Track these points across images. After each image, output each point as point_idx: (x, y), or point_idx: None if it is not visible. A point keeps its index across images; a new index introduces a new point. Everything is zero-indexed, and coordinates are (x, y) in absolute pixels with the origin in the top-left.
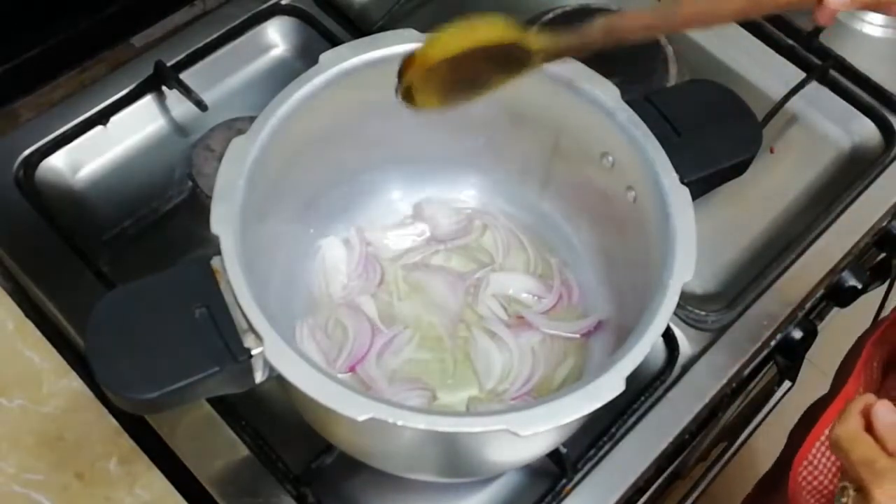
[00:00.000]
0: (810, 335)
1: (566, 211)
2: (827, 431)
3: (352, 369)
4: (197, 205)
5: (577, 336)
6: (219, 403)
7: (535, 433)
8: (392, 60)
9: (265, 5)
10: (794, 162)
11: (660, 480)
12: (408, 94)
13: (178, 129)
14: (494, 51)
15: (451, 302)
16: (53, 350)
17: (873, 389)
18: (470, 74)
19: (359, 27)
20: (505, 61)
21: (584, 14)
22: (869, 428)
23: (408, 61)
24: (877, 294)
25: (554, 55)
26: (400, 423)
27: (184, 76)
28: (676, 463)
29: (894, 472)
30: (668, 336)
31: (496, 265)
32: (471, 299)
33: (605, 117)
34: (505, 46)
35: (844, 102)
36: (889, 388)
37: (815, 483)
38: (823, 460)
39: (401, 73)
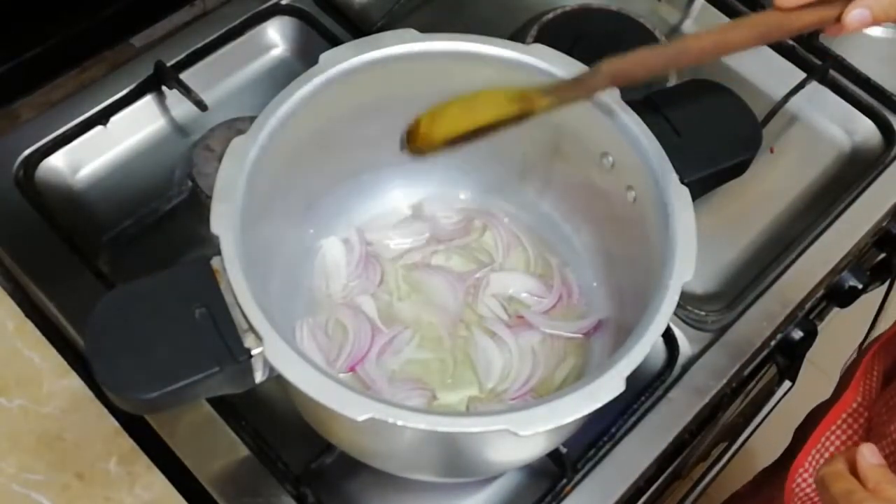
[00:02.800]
0: (810, 335)
1: (566, 211)
2: (823, 439)
3: (352, 369)
4: (197, 205)
5: (577, 336)
6: (219, 403)
7: (535, 433)
8: (392, 60)
9: (265, 5)
10: (794, 162)
11: (660, 480)
12: (415, 150)
13: (178, 129)
14: (498, 123)
15: (451, 302)
16: (53, 350)
17: (872, 399)
18: (474, 136)
19: (359, 27)
20: (505, 122)
21: (584, 14)
22: (854, 472)
23: (411, 136)
24: (877, 294)
25: (558, 107)
26: (400, 423)
27: (184, 76)
28: (676, 463)
29: (870, 500)
30: (668, 336)
31: (496, 265)
32: (471, 299)
33: (605, 117)
34: (506, 119)
35: (844, 102)
36: (888, 399)
37: (809, 491)
38: (818, 467)
39: (405, 142)
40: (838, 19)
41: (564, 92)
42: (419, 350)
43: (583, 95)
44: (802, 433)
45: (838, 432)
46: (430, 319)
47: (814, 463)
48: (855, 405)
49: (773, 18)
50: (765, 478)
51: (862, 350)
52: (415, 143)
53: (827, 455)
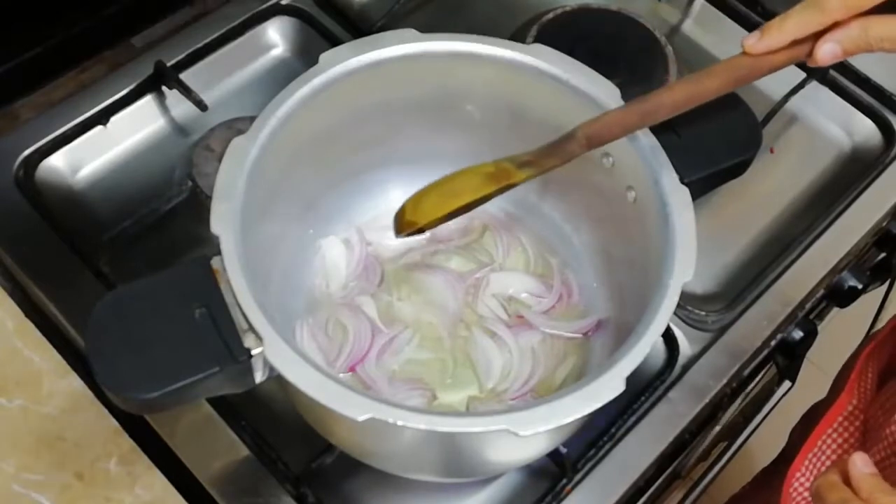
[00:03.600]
0: (810, 335)
1: (566, 211)
2: (819, 442)
3: (352, 369)
4: (197, 205)
5: (578, 336)
6: (219, 403)
7: (535, 433)
8: (392, 60)
9: (265, 5)
10: (794, 162)
11: (660, 480)
12: (406, 231)
13: (178, 129)
14: (477, 202)
15: (451, 302)
16: (53, 350)
17: (867, 401)
18: (457, 214)
19: (359, 27)
20: (487, 196)
21: (584, 14)
22: (848, 482)
23: (399, 222)
24: (877, 294)
25: (536, 176)
26: (400, 423)
27: (184, 76)
28: (676, 463)
29: None
30: (668, 336)
31: (496, 265)
32: (471, 299)
33: None
34: (485, 197)
35: (844, 102)
36: (883, 401)
37: (806, 495)
38: (815, 472)
39: (396, 227)
40: (810, 54)
41: (542, 161)
42: (419, 350)
43: (559, 162)
44: (798, 434)
45: (834, 435)
46: (430, 319)
47: (810, 467)
48: (850, 408)
49: (744, 62)
50: (763, 478)
51: (855, 351)
52: (402, 228)
53: (824, 458)
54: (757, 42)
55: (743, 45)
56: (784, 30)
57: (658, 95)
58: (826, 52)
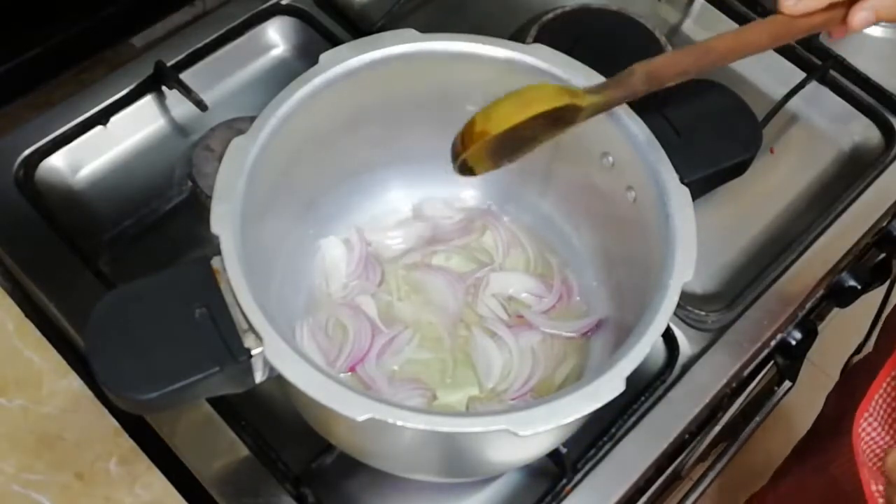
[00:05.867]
0: (810, 335)
1: (566, 211)
2: (885, 385)
3: (352, 369)
4: (197, 205)
5: (578, 336)
6: (219, 403)
7: (535, 433)
8: (392, 60)
9: (265, 5)
10: (794, 162)
11: (660, 480)
12: (464, 166)
13: (178, 129)
14: (546, 115)
15: (451, 302)
16: (53, 350)
17: None
18: (521, 138)
19: (359, 27)
20: (553, 120)
21: (584, 14)
22: None
23: (465, 138)
24: (877, 294)
25: (601, 109)
26: (400, 423)
27: (184, 76)
28: (676, 463)
29: None
30: (668, 336)
31: (496, 265)
32: (471, 299)
33: (605, 117)
34: (557, 110)
35: (844, 102)
36: None
37: (874, 436)
38: (881, 413)
39: (456, 150)
40: (843, 20)
41: (607, 92)
42: (419, 350)
43: (626, 97)
44: (833, 401)
45: (889, 389)
46: (430, 319)
47: (877, 408)
48: None
49: (782, 21)
50: (794, 457)
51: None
52: (469, 145)
53: (888, 399)
54: (796, 3)
55: (781, 5)
56: None
57: (708, 42)
58: (861, 18)
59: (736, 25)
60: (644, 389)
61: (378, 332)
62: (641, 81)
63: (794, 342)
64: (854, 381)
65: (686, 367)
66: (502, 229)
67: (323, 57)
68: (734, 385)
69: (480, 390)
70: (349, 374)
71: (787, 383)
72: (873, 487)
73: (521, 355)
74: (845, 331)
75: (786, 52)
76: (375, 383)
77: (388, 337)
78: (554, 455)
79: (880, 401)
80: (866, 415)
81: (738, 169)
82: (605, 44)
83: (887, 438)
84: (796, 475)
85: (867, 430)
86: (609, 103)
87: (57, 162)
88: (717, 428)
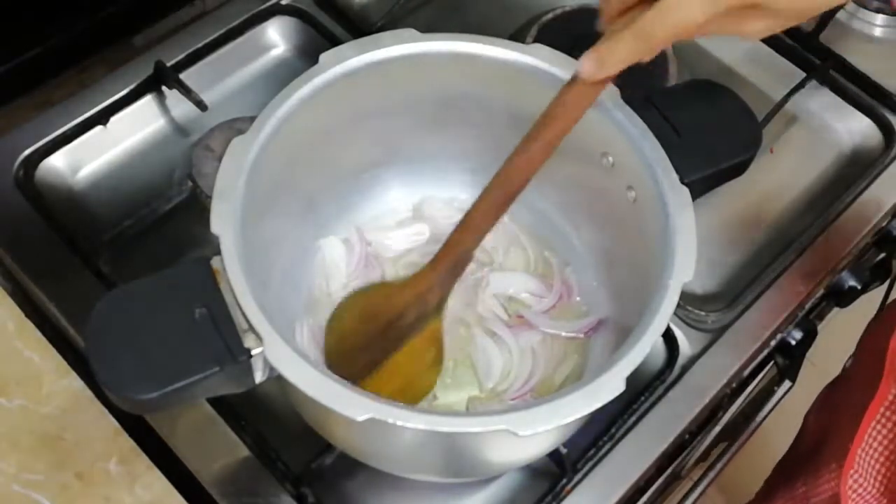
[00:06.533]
0: (810, 335)
1: (566, 211)
2: (866, 436)
3: None
4: (197, 205)
5: (578, 335)
6: (219, 403)
7: (534, 433)
8: (392, 60)
9: (265, 5)
10: (794, 162)
11: (660, 480)
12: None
13: (178, 129)
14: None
15: (451, 302)
16: (53, 350)
17: None
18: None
19: (359, 27)
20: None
21: (584, 14)
22: None
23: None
24: (877, 294)
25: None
26: (400, 423)
27: (184, 76)
28: (676, 463)
29: None
30: (668, 336)
31: (496, 265)
32: (471, 299)
33: (605, 117)
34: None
35: (844, 102)
36: None
37: (862, 492)
38: (867, 468)
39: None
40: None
41: (435, 281)
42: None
43: (451, 270)
44: (813, 419)
45: (879, 427)
46: None
47: (862, 463)
48: (891, 397)
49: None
50: (781, 471)
51: (870, 326)
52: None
53: (872, 452)
54: (598, 70)
55: (581, 73)
56: (619, 59)
57: (500, 170)
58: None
59: None
60: (644, 389)
61: None
62: (466, 235)
63: (794, 342)
64: (832, 400)
65: (686, 367)
66: (502, 229)
67: (323, 57)
68: (734, 385)
69: (480, 390)
70: None
71: (787, 383)
72: None
73: (521, 355)
74: (845, 331)
75: (786, 52)
76: None
77: None
78: (554, 455)
79: (865, 455)
80: (852, 472)
81: (738, 169)
82: None
83: (878, 496)
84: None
85: (855, 488)
86: (444, 276)
87: (57, 162)
88: (717, 428)
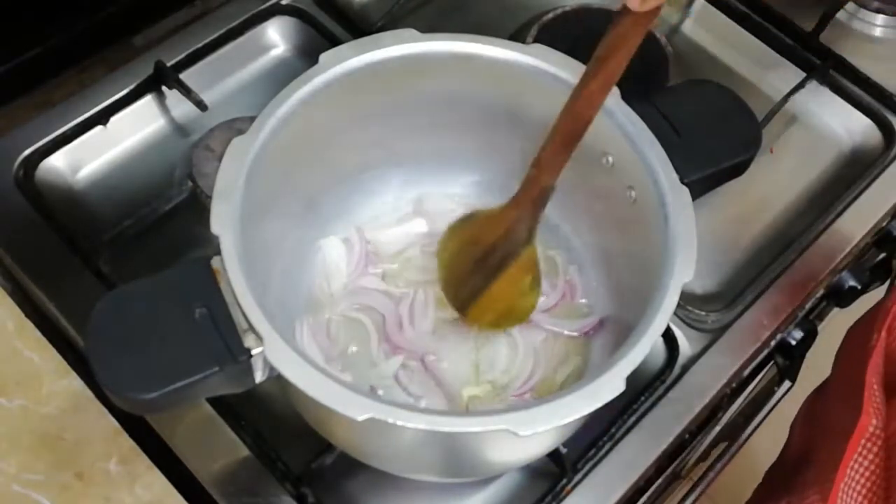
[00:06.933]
0: (810, 335)
1: (566, 211)
2: (848, 469)
3: (397, 350)
4: (197, 205)
5: (579, 335)
6: (219, 403)
7: (534, 433)
8: (392, 60)
9: (265, 5)
10: (794, 162)
11: (660, 480)
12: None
13: (178, 129)
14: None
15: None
16: (53, 350)
17: (883, 415)
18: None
19: (359, 27)
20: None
21: (584, 14)
22: None
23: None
24: (877, 294)
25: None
26: (400, 423)
27: (184, 76)
28: (676, 463)
29: None
30: (668, 336)
31: None
32: None
33: (605, 117)
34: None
35: (844, 102)
36: None
37: None
38: (851, 502)
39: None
40: None
41: (521, 199)
42: (439, 309)
43: (538, 197)
44: (799, 432)
45: (860, 459)
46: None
47: (846, 498)
48: (872, 429)
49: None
50: (769, 482)
51: (843, 344)
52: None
53: (854, 485)
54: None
55: (629, 2)
56: None
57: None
58: None
59: (736, 25)
60: (644, 389)
61: (397, 300)
62: (541, 172)
63: (794, 342)
64: (815, 411)
65: (686, 367)
66: None
67: (323, 57)
68: (734, 385)
69: (477, 383)
70: (397, 357)
71: (787, 383)
72: None
73: (524, 353)
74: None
75: (786, 52)
76: (424, 344)
77: (409, 299)
78: (554, 455)
79: (847, 489)
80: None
81: (738, 169)
82: None
83: None
84: None
85: None
86: (528, 210)
87: (57, 162)
88: (717, 428)
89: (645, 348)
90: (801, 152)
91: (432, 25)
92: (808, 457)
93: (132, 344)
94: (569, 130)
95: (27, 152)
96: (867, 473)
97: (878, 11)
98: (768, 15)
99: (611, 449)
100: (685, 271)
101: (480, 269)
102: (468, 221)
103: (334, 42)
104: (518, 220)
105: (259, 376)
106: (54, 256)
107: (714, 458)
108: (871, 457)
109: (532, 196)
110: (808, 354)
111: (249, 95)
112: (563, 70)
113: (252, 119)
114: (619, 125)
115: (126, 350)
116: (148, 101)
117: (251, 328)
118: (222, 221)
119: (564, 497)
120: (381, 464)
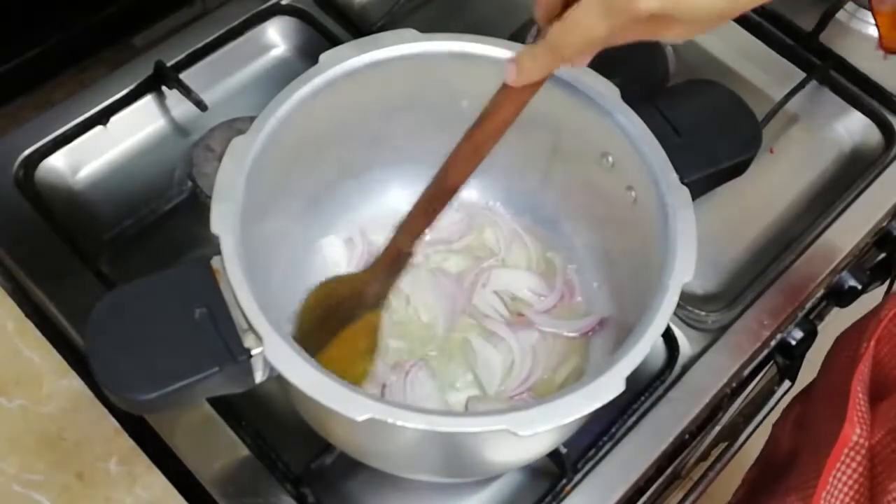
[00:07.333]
0: (810, 335)
1: (566, 211)
2: (831, 478)
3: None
4: (197, 205)
5: (578, 335)
6: (219, 403)
7: (534, 433)
8: (392, 60)
9: (265, 5)
10: (794, 162)
11: (660, 480)
12: None
13: (178, 129)
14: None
15: (452, 301)
16: (53, 350)
17: (868, 424)
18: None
19: (359, 27)
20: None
21: None
22: None
23: None
24: (877, 294)
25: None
26: (399, 423)
27: (184, 76)
28: (676, 463)
29: None
30: (668, 336)
31: (498, 259)
32: (471, 296)
33: (605, 117)
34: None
35: (844, 102)
36: (883, 421)
37: None
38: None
39: None
40: None
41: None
42: (431, 379)
43: (394, 265)
44: (779, 429)
45: (843, 468)
46: (429, 319)
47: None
48: (856, 437)
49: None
50: (751, 486)
51: (831, 351)
52: None
53: (837, 493)
54: (518, 78)
55: (506, 78)
56: (537, 68)
57: (443, 167)
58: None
59: (736, 25)
60: (644, 389)
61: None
62: (401, 235)
63: (794, 342)
64: (801, 413)
65: (686, 367)
66: (504, 227)
67: (323, 57)
68: (734, 385)
69: (480, 390)
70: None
71: (787, 383)
72: None
73: (521, 353)
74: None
75: (786, 52)
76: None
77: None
78: (554, 455)
79: (830, 497)
80: None
81: (738, 169)
82: None
83: None
84: None
85: None
86: (381, 274)
87: (57, 162)
88: (717, 428)
89: (645, 348)
90: (801, 152)
91: (432, 25)
92: (792, 462)
93: (132, 344)
94: (433, 196)
95: (27, 152)
96: (850, 482)
97: None
98: (768, 15)
99: (611, 449)
100: (685, 271)
101: (323, 328)
102: (333, 281)
103: (334, 42)
104: (368, 283)
105: (259, 376)
106: (54, 256)
107: (714, 458)
108: (854, 465)
109: (388, 259)
110: (808, 354)
111: (249, 95)
112: (564, 70)
113: (252, 119)
114: (619, 125)
115: (126, 350)
116: (148, 101)
117: (251, 328)
118: (222, 221)
119: (564, 497)
120: (381, 464)
